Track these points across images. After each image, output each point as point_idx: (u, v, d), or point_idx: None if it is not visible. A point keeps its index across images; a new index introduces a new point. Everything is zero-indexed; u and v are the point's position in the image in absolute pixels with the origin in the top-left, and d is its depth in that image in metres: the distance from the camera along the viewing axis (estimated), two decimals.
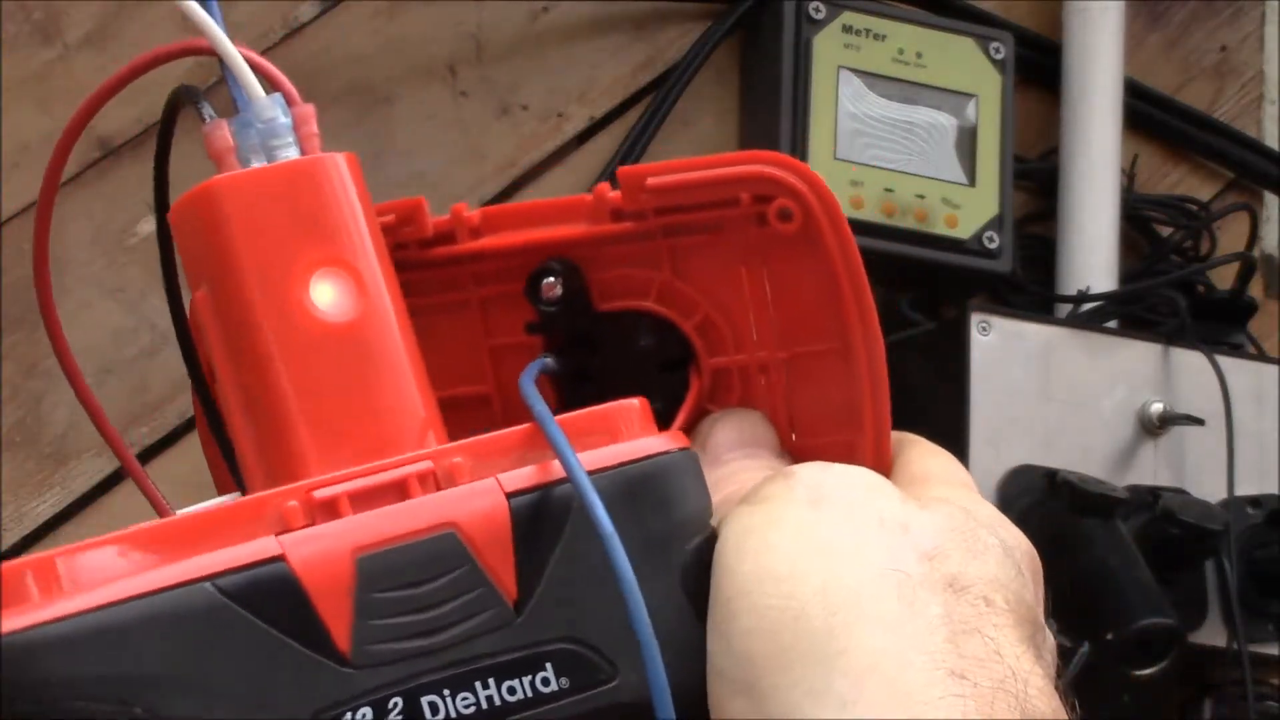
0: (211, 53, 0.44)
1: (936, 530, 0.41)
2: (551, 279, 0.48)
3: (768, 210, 0.46)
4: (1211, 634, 1.03)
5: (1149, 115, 1.23)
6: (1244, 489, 1.04)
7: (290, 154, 0.43)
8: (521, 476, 0.40)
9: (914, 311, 1.11)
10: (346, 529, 0.38)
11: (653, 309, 0.49)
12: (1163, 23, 1.27)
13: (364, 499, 0.39)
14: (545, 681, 0.38)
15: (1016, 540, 0.43)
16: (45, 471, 0.97)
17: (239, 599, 0.36)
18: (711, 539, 0.41)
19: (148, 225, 1.01)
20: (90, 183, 1.01)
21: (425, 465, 0.40)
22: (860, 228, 1.07)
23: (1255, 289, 1.20)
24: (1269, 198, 1.27)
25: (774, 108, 1.08)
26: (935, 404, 1.04)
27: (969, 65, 1.12)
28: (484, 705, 0.37)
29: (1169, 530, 0.99)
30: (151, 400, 0.99)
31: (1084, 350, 1.05)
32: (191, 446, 0.99)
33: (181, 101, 0.44)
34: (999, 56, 1.13)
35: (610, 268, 0.49)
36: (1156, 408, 1.05)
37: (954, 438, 1.01)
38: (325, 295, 0.42)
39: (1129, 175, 1.21)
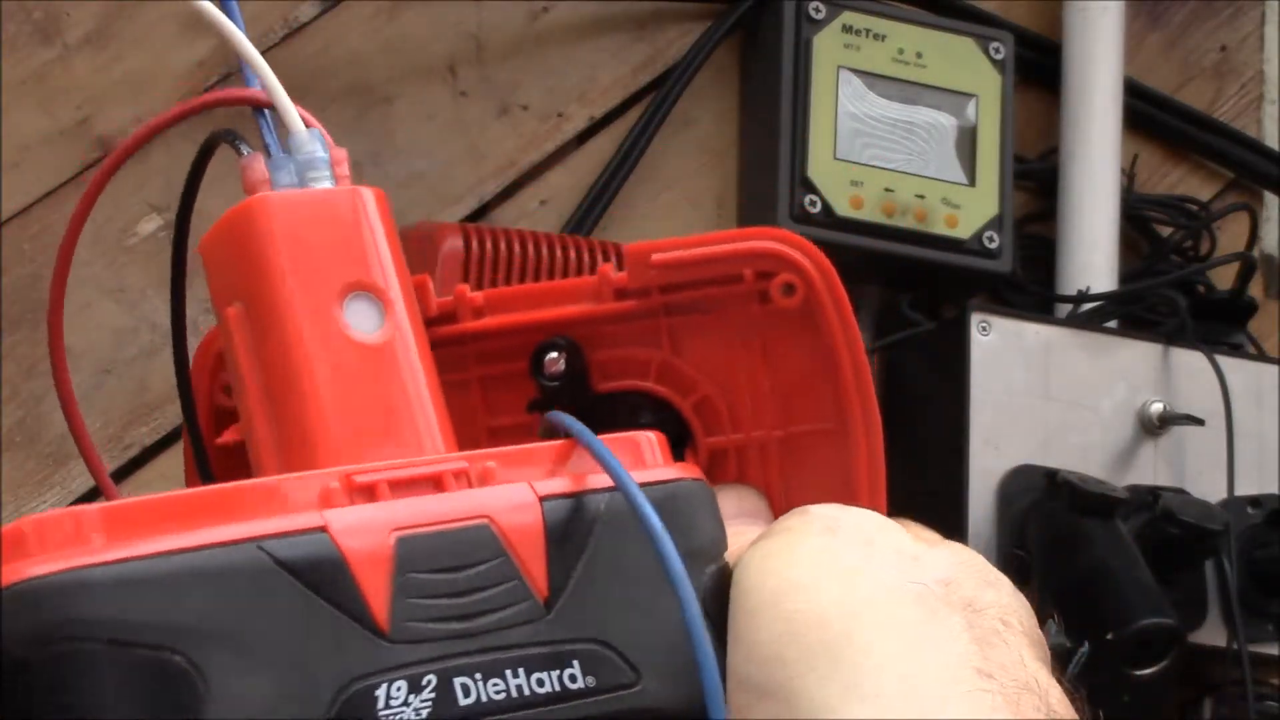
0: (250, 101, 0.45)
1: (948, 563, 0.42)
2: (555, 354, 0.50)
3: (770, 286, 0.47)
4: (1211, 634, 1.03)
5: (1149, 115, 1.23)
6: (1244, 489, 1.04)
7: (326, 185, 0.45)
8: (552, 484, 0.41)
9: (914, 311, 1.11)
10: (386, 509, 0.39)
11: (652, 389, 0.50)
12: (1163, 23, 1.27)
13: (401, 487, 0.40)
14: (572, 678, 0.39)
15: (1015, 588, 0.44)
16: (45, 471, 0.97)
17: (284, 563, 0.37)
18: (726, 570, 0.42)
19: (148, 225, 1.01)
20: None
21: (460, 464, 0.41)
22: (860, 228, 1.07)
23: (1255, 289, 1.20)
24: (1269, 198, 1.27)
25: (774, 108, 1.08)
26: (935, 404, 1.04)
27: (969, 65, 1.12)
28: (513, 694, 0.38)
29: (1169, 530, 0.99)
30: (151, 400, 0.99)
31: (1084, 350, 1.05)
32: None
33: (217, 142, 0.46)
34: (999, 56, 1.13)
35: (611, 348, 0.50)
36: (1156, 408, 1.05)
37: (954, 438, 1.01)
38: (357, 315, 0.43)
39: (1129, 175, 1.21)
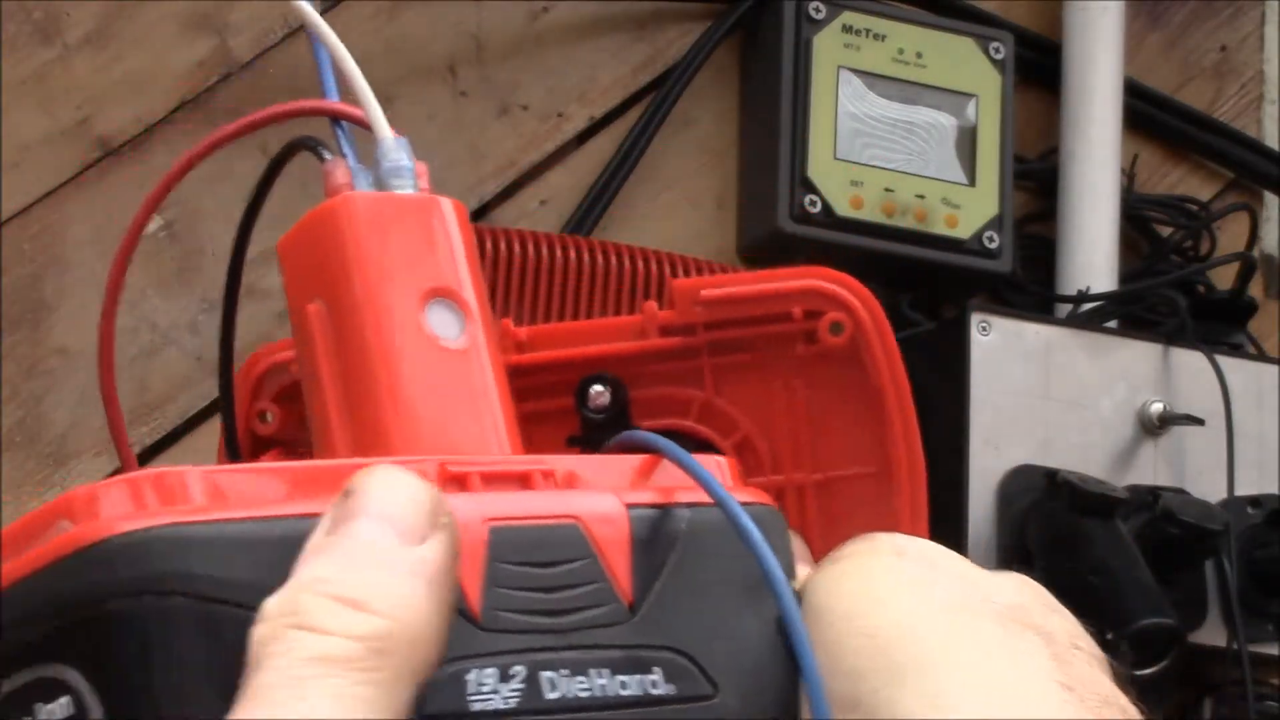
0: (336, 113, 0.47)
1: (1014, 588, 0.43)
2: (601, 387, 0.50)
3: (818, 325, 0.47)
4: (1211, 634, 1.03)
5: (1149, 115, 1.23)
6: (1244, 489, 1.04)
7: (409, 193, 0.46)
8: (637, 495, 0.41)
9: (914, 311, 1.11)
10: (479, 500, 0.39)
11: (692, 428, 0.50)
12: (1163, 23, 1.27)
13: (492, 481, 0.40)
14: (654, 684, 0.38)
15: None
16: (45, 471, 0.97)
17: None
18: (795, 594, 0.42)
19: (148, 225, 1.01)
20: (90, 183, 1.01)
21: (548, 466, 0.40)
22: (860, 228, 1.07)
23: (1255, 289, 1.20)
24: (1269, 198, 1.27)
25: (774, 108, 1.08)
26: (935, 404, 1.04)
27: (969, 65, 1.12)
28: (597, 694, 0.37)
29: (1169, 530, 0.99)
30: (151, 400, 0.99)
31: (1084, 350, 1.05)
32: (192, 446, 0.99)
33: (295, 150, 0.47)
34: (999, 56, 1.13)
35: (652, 386, 0.50)
36: (1156, 408, 1.05)
37: (954, 438, 1.01)
38: (439, 320, 0.43)
39: (1129, 175, 1.21)
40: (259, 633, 0.33)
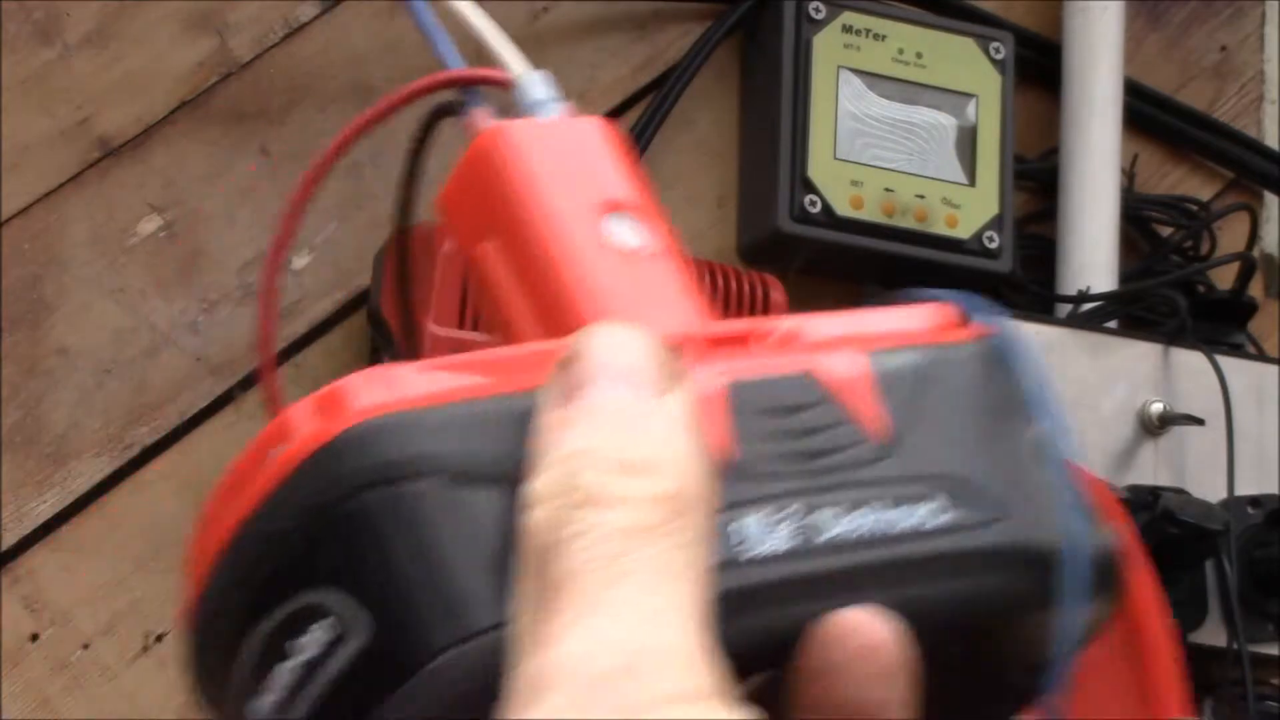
0: (471, 80, 0.47)
1: None
2: None
3: None
4: (1211, 634, 1.03)
5: (1149, 115, 1.23)
6: (1244, 489, 1.04)
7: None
8: (873, 339, 0.39)
9: None
10: (708, 360, 0.37)
11: None
12: (1163, 23, 1.27)
13: (716, 343, 0.38)
14: (929, 515, 0.37)
15: None
16: (45, 471, 0.97)
17: None
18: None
19: (148, 225, 1.01)
20: (90, 183, 1.01)
21: (766, 328, 0.39)
22: (860, 228, 1.07)
23: (1255, 289, 1.20)
24: (1269, 198, 1.27)
25: (774, 108, 1.08)
26: None
27: (969, 65, 1.12)
28: (872, 530, 0.36)
29: (1169, 530, 0.99)
30: (151, 400, 0.99)
31: (1084, 350, 1.05)
32: (192, 446, 0.99)
33: (442, 115, 0.47)
34: (999, 56, 1.13)
35: None
36: (1156, 408, 1.05)
37: None
38: (619, 230, 0.42)
39: (1129, 175, 1.21)
40: (538, 518, 0.30)
